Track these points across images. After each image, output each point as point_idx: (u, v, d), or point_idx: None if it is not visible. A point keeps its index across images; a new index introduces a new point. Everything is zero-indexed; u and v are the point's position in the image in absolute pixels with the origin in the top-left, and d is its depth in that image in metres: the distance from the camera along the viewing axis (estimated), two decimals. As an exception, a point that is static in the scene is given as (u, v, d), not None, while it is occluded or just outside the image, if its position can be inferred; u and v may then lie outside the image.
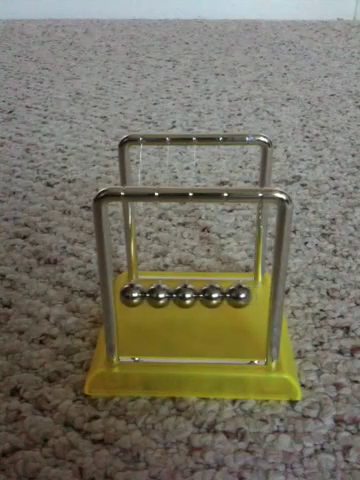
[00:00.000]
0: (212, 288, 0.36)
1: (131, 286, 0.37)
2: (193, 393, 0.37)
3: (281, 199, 0.30)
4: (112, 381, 0.37)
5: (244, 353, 0.37)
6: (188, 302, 0.37)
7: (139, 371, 0.37)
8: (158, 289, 0.37)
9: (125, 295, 0.36)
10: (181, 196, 0.32)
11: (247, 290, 0.36)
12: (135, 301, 0.37)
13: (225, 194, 0.30)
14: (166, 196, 0.31)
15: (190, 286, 0.37)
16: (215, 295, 0.36)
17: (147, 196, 0.31)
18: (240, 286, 0.36)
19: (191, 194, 0.30)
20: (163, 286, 0.37)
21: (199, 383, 0.37)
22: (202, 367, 0.37)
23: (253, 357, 0.37)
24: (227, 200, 0.30)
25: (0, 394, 0.38)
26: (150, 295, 0.36)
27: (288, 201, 0.30)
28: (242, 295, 0.36)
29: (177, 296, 0.36)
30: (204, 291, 0.36)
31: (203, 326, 0.41)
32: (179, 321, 0.38)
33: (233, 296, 0.36)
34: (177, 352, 0.38)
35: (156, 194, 0.30)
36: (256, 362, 0.37)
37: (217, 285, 0.36)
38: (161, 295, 0.36)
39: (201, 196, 0.31)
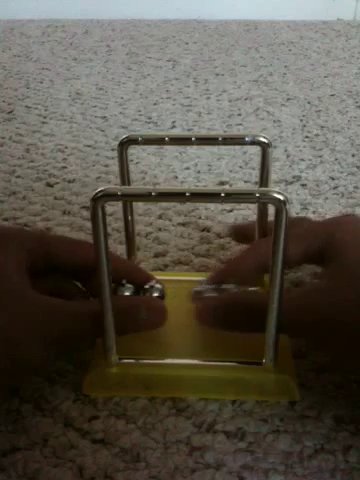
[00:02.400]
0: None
1: None
2: (193, 393, 0.37)
3: (279, 200, 0.30)
4: (111, 381, 0.37)
5: (244, 353, 0.37)
6: None
7: (138, 371, 0.37)
8: (123, 287, 0.38)
9: None
10: (178, 196, 0.32)
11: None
12: None
13: (223, 194, 0.30)
14: (163, 196, 0.31)
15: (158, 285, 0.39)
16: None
17: (144, 196, 0.31)
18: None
19: (188, 194, 0.30)
20: (128, 285, 0.38)
21: (199, 383, 0.37)
22: (202, 367, 0.37)
23: (252, 357, 0.37)
24: (225, 200, 0.30)
25: (0, 394, 0.38)
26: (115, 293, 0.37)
27: (286, 202, 0.30)
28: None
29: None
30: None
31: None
32: (178, 321, 0.38)
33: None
34: (177, 352, 0.38)
35: (153, 194, 0.30)
36: (256, 362, 0.37)
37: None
38: (126, 293, 0.37)
39: (198, 196, 0.31)
